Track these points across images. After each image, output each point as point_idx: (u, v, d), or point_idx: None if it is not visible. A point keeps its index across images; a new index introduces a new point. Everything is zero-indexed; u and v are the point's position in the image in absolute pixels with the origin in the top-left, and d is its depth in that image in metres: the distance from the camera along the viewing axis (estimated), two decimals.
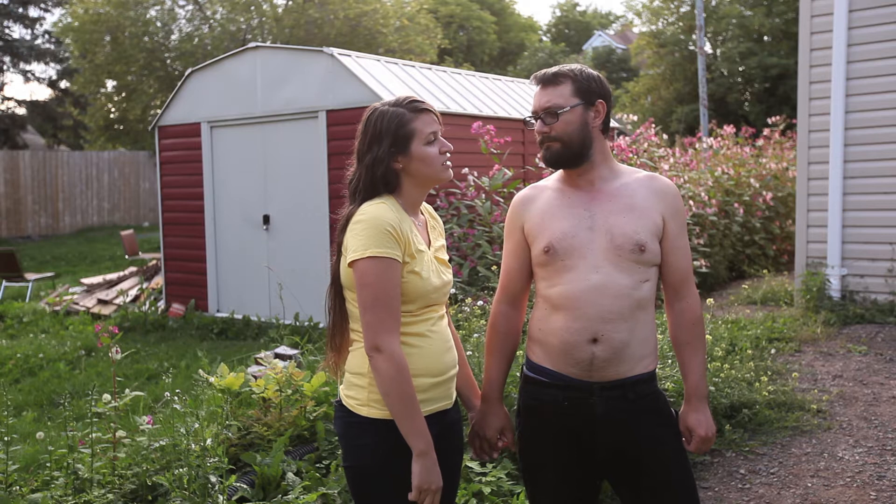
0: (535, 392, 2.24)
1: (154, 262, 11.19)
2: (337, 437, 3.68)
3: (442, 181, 2.17)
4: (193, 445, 3.31)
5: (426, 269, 2.09)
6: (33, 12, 24.59)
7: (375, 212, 2.04)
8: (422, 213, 2.25)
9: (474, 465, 3.42)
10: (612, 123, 11.64)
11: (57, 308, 10.05)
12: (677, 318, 2.27)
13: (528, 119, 2.27)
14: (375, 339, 2.00)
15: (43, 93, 52.62)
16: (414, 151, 2.10)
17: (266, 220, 8.59)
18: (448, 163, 2.16)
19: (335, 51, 7.87)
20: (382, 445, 2.06)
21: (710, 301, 5.40)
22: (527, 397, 2.28)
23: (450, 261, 2.32)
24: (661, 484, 2.18)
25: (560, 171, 2.30)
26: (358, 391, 2.11)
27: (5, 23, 24.07)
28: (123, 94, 20.08)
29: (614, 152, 6.96)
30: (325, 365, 2.32)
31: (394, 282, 2.01)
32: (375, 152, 2.10)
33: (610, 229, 2.15)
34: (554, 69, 2.23)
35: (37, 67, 42.45)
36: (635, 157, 7.08)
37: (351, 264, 2.04)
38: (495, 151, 6.67)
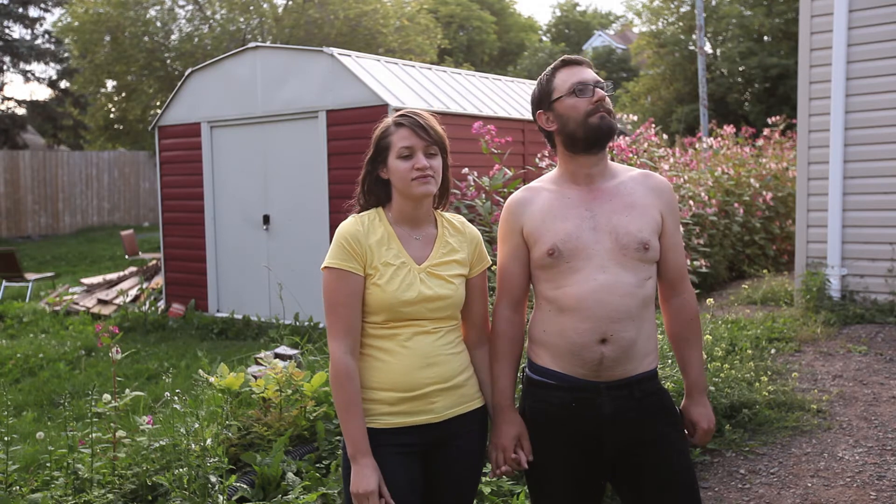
0: (541, 395, 2.22)
1: (154, 262, 11.19)
2: (337, 438, 3.70)
3: (414, 197, 2.17)
4: (193, 445, 3.31)
5: (393, 283, 2.12)
6: (33, 12, 24.58)
7: (342, 225, 2.20)
8: (436, 227, 2.26)
9: None
10: None
11: (57, 308, 10.05)
12: (675, 315, 2.28)
13: (579, 88, 2.16)
14: (328, 344, 2.14)
15: (43, 93, 52.68)
16: (390, 164, 2.19)
17: (266, 220, 8.59)
18: (422, 179, 2.14)
19: (335, 51, 7.87)
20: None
21: (710, 301, 5.40)
22: (532, 400, 2.25)
23: None
24: (663, 483, 2.18)
25: (552, 173, 2.30)
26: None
27: (5, 23, 24.06)
28: (123, 94, 20.08)
29: (614, 152, 6.96)
30: None
31: (343, 291, 2.13)
32: (365, 160, 2.24)
33: (614, 229, 2.15)
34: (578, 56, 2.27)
35: (37, 67, 42.55)
36: (635, 157, 7.07)
37: None
38: (496, 151, 6.67)
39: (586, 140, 2.17)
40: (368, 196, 2.24)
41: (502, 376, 2.26)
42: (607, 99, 2.17)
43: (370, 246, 2.15)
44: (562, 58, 2.27)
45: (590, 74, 2.20)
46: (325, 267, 2.16)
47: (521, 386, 2.35)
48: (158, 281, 10.11)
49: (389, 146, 2.17)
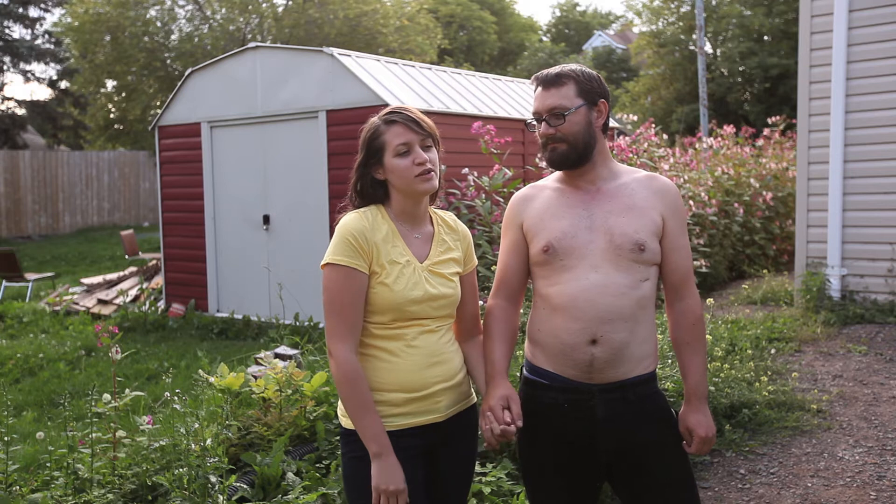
0: (535, 394, 2.22)
1: (154, 262, 11.19)
2: (337, 438, 3.70)
3: (418, 193, 2.13)
4: (193, 445, 3.31)
5: (401, 282, 2.08)
6: (33, 12, 24.57)
7: (345, 220, 2.11)
8: (432, 224, 2.24)
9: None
10: (612, 123, 11.61)
11: (57, 308, 10.05)
12: (678, 319, 2.25)
13: (529, 122, 2.25)
14: (329, 344, 2.07)
15: (43, 93, 52.44)
16: (386, 163, 2.13)
17: (266, 220, 8.59)
18: (427, 175, 2.11)
19: (335, 51, 7.87)
20: (352, 453, 2.12)
21: (710, 301, 5.40)
22: (526, 400, 2.25)
23: None
24: (661, 486, 2.17)
25: (559, 172, 2.29)
26: (341, 401, 2.16)
27: (5, 23, 24.05)
28: (123, 94, 20.05)
29: (614, 152, 6.95)
30: None
31: (349, 290, 2.05)
32: (356, 163, 2.18)
33: (610, 229, 2.14)
34: (556, 70, 2.20)
35: (37, 67, 42.38)
36: (635, 157, 7.07)
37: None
38: (496, 151, 6.66)
39: (552, 166, 2.24)
40: (363, 199, 2.18)
41: (492, 350, 2.23)
42: (560, 130, 2.15)
43: (376, 243, 2.09)
44: (536, 75, 2.24)
45: (546, 102, 2.17)
46: (329, 264, 2.06)
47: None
48: (158, 281, 10.11)
49: (384, 145, 2.12)
